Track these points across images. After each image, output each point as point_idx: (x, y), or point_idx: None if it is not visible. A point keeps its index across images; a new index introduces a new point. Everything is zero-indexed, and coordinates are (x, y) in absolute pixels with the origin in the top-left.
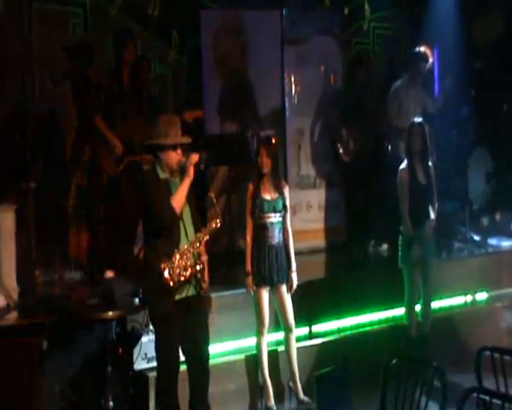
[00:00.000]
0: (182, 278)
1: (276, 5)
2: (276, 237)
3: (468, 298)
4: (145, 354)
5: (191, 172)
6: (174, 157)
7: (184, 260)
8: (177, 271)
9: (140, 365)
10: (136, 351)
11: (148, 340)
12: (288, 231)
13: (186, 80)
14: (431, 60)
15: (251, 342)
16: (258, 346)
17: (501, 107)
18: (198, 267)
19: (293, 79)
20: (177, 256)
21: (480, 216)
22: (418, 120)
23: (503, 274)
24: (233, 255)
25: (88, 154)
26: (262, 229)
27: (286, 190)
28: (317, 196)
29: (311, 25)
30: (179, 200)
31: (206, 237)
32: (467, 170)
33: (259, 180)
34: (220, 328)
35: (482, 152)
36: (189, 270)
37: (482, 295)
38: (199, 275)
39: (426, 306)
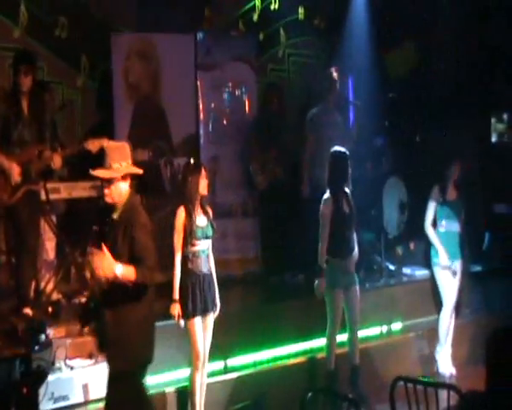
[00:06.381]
0: None
1: (189, 30)
2: (206, 264)
3: (384, 328)
4: (52, 393)
5: None
6: None
7: None
8: None
9: (46, 405)
10: (42, 391)
11: (54, 379)
12: (212, 258)
13: (96, 106)
14: (336, 77)
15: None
16: (192, 380)
17: (414, 136)
18: None
19: (207, 106)
20: None
21: (394, 245)
22: (340, 149)
23: (418, 303)
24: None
25: None
26: (193, 257)
27: (211, 215)
28: (233, 225)
29: (226, 50)
30: None
31: None
32: (381, 199)
33: (192, 205)
34: None
35: (396, 181)
36: None
37: (397, 325)
38: None
39: (353, 335)
